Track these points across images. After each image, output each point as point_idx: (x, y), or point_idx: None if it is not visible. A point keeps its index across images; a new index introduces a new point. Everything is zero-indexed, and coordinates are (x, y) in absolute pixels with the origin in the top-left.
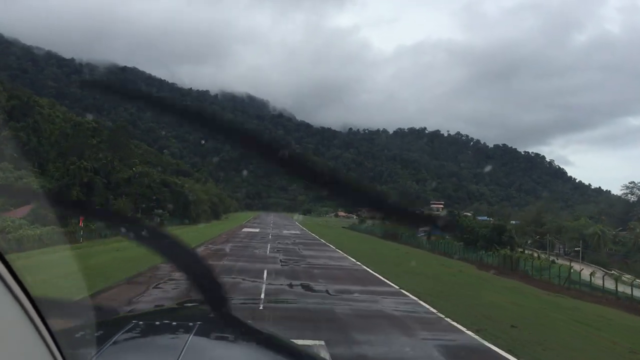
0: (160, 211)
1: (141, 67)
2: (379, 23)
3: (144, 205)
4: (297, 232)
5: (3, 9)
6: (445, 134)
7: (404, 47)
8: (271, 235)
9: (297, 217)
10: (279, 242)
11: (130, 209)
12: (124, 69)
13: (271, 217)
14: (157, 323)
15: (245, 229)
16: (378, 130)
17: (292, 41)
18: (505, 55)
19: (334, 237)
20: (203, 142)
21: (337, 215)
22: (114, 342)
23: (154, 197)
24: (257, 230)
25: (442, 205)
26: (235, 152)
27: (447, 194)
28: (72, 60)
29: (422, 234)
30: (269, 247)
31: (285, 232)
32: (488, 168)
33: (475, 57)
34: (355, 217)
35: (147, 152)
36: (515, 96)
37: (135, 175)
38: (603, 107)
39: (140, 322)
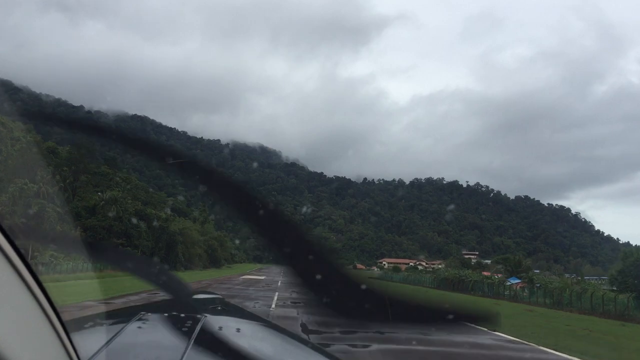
0: (128, 249)
1: (151, 116)
2: (395, 72)
3: (102, 239)
4: None
5: (14, 56)
6: (464, 185)
7: (420, 97)
8: (281, 283)
9: None
10: (293, 290)
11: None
12: (134, 117)
13: (280, 269)
14: (166, 314)
15: (245, 276)
16: (394, 180)
17: (306, 90)
18: (523, 106)
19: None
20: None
21: (355, 267)
22: (123, 332)
23: (123, 232)
24: (262, 277)
25: (475, 256)
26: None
27: (470, 246)
28: (81, 107)
29: (514, 281)
30: (276, 297)
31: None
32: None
33: (493, 107)
34: (376, 268)
35: (137, 188)
36: (534, 148)
37: (100, 204)
38: (624, 159)
39: (149, 313)
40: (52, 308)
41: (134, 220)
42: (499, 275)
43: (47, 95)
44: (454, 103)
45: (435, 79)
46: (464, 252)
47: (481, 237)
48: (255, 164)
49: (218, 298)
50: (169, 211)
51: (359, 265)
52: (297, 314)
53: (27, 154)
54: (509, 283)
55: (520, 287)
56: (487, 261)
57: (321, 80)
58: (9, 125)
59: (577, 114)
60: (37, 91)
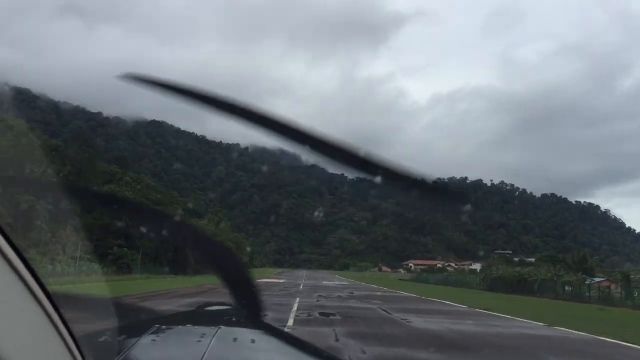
0: (126, 249)
1: (170, 121)
2: (415, 70)
3: (99, 242)
4: (345, 282)
5: (32, 64)
6: (489, 184)
7: (440, 96)
8: (303, 286)
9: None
10: (320, 295)
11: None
12: (152, 122)
13: (302, 272)
14: (180, 326)
15: (262, 280)
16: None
17: (325, 91)
18: (546, 102)
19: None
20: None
21: (380, 270)
22: (136, 346)
23: (123, 231)
24: (282, 280)
25: (510, 254)
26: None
27: (497, 245)
28: (99, 113)
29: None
30: (295, 306)
31: (325, 282)
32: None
33: (515, 104)
34: (402, 271)
35: (148, 188)
36: (559, 144)
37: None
38: None
39: (163, 326)
40: (59, 317)
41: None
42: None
43: (65, 103)
44: (475, 101)
45: (456, 77)
46: (496, 251)
47: (508, 236)
48: (265, 167)
49: (233, 308)
50: (180, 211)
51: (385, 268)
52: (335, 337)
53: (16, 147)
54: (592, 281)
55: (606, 285)
56: (530, 259)
57: (340, 80)
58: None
59: (602, 109)
60: (55, 98)
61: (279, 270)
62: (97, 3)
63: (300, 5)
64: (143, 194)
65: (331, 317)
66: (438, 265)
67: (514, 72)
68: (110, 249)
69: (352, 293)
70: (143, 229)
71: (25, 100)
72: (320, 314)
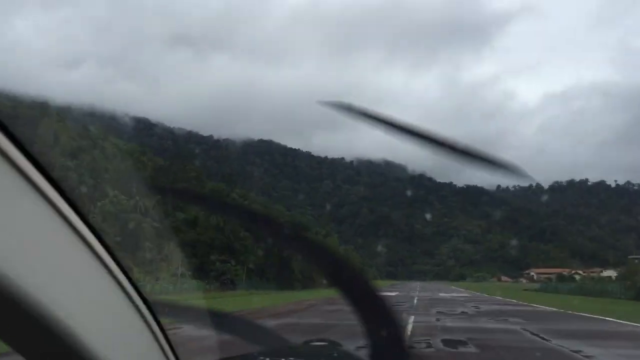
0: (230, 264)
1: (276, 139)
2: (522, 70)
3: (203, 258)
4: (465, 294)
5: (149, 94)
6: (613, 185)
7: (552, 95)
8: (417, 300)
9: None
10: (440, 312)
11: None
12: (260, 141)
13: (416, 284)
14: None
15: None
16: (531, 186)
17: (428, 98)
18: None
19: None
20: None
21: (499, 280)
22: None
23: (227, 246)
24: (394, 293)
25: None
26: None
27: (629, 250)
28: (210, 137)
29: None
30: (410, 326)
31: (442, 294)
32: None
33: (636, 98)
34: (524, 280)
35: (255, 203)
36: None
37: (200, 215)
38: None
39: (267, 359)
40: (150, 311)
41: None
42: None
43: (180, 129)
44: (591, 97)
45: (568, 74)
46: (631, 256)
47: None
48: (381, 179)
49: (334, 344)
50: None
51: (504, 278)
52: None
53: (122, 166)
54: None
55: None
56: None
57: (443, 86)
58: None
59: None
60: (171, 125)
61: (392, 282)
62: (204, 31)
63: (397, 11)
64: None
65: (462, 349)
66: (564, 273)
67: (634, 63)
68: (213, 265)
69: (478, 308)
70: (248, 242)
71: (144, 129)
72: (445, 342)
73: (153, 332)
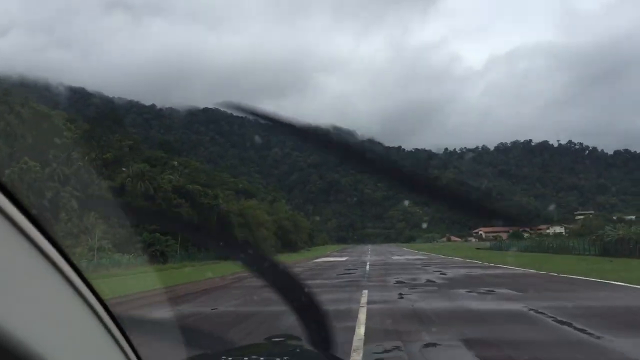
0: (159, 234)
1: (222, 107)
2: (468, 33)
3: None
4: (420, 256)
5: (85, 62)
6: (555, 145)
7: (497, 57)
8: (370, 265)
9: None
10: (399, 282)
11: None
12: (205, 110)
13: (367, 247)
14: (246, 359)
15: (319, 259)
16: (477, 148)
17: (375, 63)
18: (614, 54)
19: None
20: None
21: (449, 239)
22: None
23: (158, 213)
24: (344, 258)
25: (592, 214)
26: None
27: (572, 207)
28: (153, 106)
29: None
30: (364, 312)
31: (396, 258)
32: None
33: (579, 59)
34: (474, 239)
35: (197, 171)
36: (629, 97)
37: (128, 179)
38: None
39: (230, 358)
40: (105, 310)
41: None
42: None
43: (120, 98)
44: (535, 59)
45: (513, 35)
46: (576, 213)
47: (582, 198)
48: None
49: (297, 342)
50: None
51: (454, 238)
52: None
53: (41, 132)
54: None
55: None
56: (630, 217)
57: (390, 50)
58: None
59: None
60: (110, 95)
61: (342, 246)
62: None
63: None
64: (191, 178)
65: None
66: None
67: (576, 25)
68: (140, 236)
69: (443, 273)
70: (183, 209)
71: (81, 99)
72: (432, 354)
73: (111, 334)
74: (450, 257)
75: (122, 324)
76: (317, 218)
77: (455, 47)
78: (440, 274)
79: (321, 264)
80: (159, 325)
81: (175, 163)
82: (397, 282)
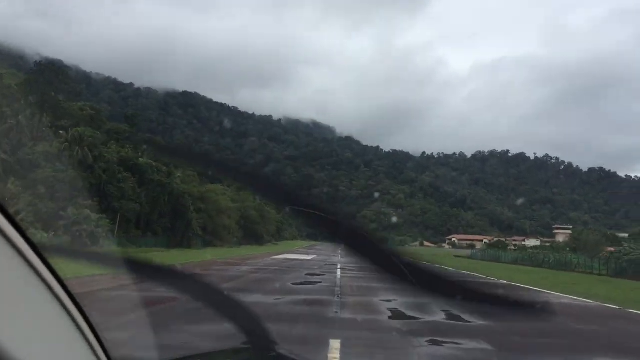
0: (87, 211)
1: (202, 92)
2: (455, 39)
3: (58, 200)
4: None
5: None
6: (532, 157)
7: (481, 65)
8: (341, 270)
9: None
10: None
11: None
12: (184, 93)
13: (339, 247)
14: None
15: (282, 256)
16: (455, 154)
17: (361, 61)
18: (595, 72)
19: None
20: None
21: (422, 244)
22: None
23: (97, 187)
24: (310, 257)
25: (570, 231)
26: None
27: (544, 222)
28: (131, 84)
29: None
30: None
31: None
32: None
33: (561, 74)
34: (446, 246)
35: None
36: (608, 116)
37: (65, 144)
38: None
39: None
40: (74, 303)
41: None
42: None
43: (97, 74)
44: (519, 71)
45: (499, 45)
46: (555, 227)
47: (555, 212)
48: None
49: (270, 343)
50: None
51: (427, 243)
52: None
53: None
54: None
55: None
56: (623, 235)
57: (376, 50)
58: None
59: None
60: (87, 70)
61: (312, 243)
62: None
63: None
64: (154, 157)
65: None
66: (485, 240)
67: (562, 40)
68: (64, 212)
69: None
70: (128, 185)
71: (56, 71)
72: None
73: (81, 330)
74: (438, 266)
75: (89, 315)
76: (287, 209)
77: (441, 52)
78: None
79: (281, 262)
80: None
81: (138, 139)
82: (393, 311)
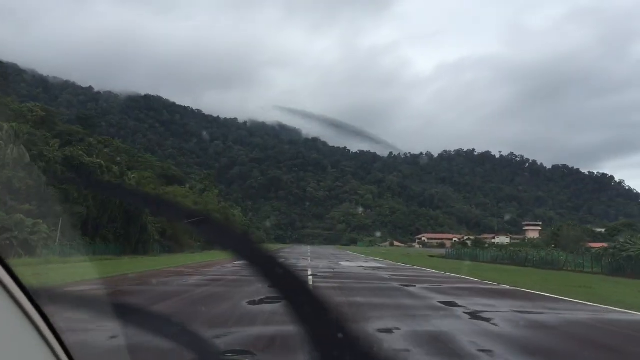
0: (19, 217)
1: (165, 95)
2: (420, 38)
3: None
4: (376, 264)
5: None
6: (497, 156)
7: (446, 65)
8: (312, 274)
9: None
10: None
11: None
12: (146, 97)
13: (307, 248)
14: None
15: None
16: (421, 154)
17: (326, 62)
18: (556, 71)
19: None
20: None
21: (392, 244)
22: None
23: (33, 190)
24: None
25: (540, 228)
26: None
27: (511, 219)
28: (90, 88)
29: None
30: None
31: (345, 264)
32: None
33: (523, 73)
34: (417, 245)
35: (119, 151)
36: (569, 114)
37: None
38: None
39: None
40: (35, 307)
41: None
42: None
43: (55, 78)
44: (482, 70)
45: (463, 45)
46: (525, 223)
47: (521, 209)
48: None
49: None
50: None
51: (397, 242)
52: None
53: None
54: None
55: None
56: (600, 230)
57: (341, 50)
58: None
59: (614, 78)
60: (44, 73)
61: (280, 246)
62: None
63: None
64: (110, 158)
65: None
66: (454, 239)
67: (522, 40)
68: None
69: (453, 304)
70: (73, 187)
71: (11, 75)
72: None
73: (42, 334)
74: (419, 268)
75: (52, 321)
76: (249, 204)
77: (405, 52)
78: (448, 304)
79: (236, 272)
80: None
81: (94, 141)
82: (382, 331)
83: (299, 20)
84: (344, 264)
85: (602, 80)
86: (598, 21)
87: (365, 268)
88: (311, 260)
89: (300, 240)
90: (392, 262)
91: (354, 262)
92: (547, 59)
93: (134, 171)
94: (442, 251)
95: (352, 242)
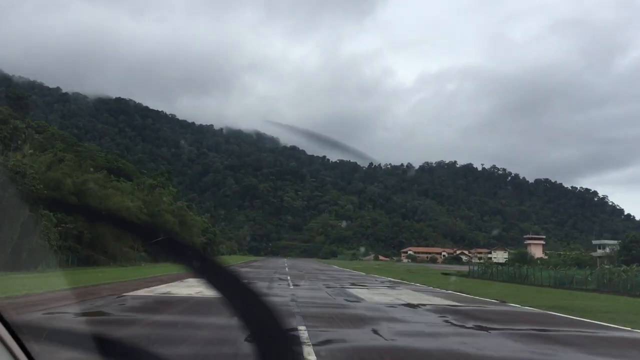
0: None
1: (137, 99)
2: (402, 47)
3: None
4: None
5: None
6: (479, 168)
7: (428, 75)
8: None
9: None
10: None
11: None
12: (117, 100)
13: (282, 261)
14: None
15: (181, 283)
16: (402, 165)
17: (306, 68)
18: (537, 84)
19: None
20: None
21: (377, 258)
22: None
23: None
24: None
25: (543, 242)
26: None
27: (497, 233)
28: (58, 89)
29: None
30: None
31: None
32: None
33: (505, 85)
34: (406, 260)
35: (54, 138)
36: (550, 128)
37: None
38: None
39: None
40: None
41: None
42: None
43: (20, 77)
44: (465, 82)
45: (446, 55)
46: (527, 237)
47: (505, 223)
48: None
49: None
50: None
51: (382, 257)
52: None
53: None
54: None
55: None
56: (611, 242)
57: (321, 57)
58: None
59: (596, 91)
60: (10, 73)
61: (252, 258)
62: None
63: None
64: (42, 146)
65: None
66: (444, 253)
67: (505, 51)
68: None
69: None
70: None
71: None
72: None
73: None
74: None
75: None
76: (221, 213)
77: (387, 61)
78: None
79: (157, 304)
80: None
81: (22, 125)
82: None
83: (278, 24)
84: (358, 293)
85: (583, 94)
86: (580, 34)
87: (416, 309)
88: (292, 284)
89: (275, 253)
90: (428, 287)
91: (368, 287)
92: (528, 72)
93: (47, 152)
94: (452, 267)
95: (332, 254)
